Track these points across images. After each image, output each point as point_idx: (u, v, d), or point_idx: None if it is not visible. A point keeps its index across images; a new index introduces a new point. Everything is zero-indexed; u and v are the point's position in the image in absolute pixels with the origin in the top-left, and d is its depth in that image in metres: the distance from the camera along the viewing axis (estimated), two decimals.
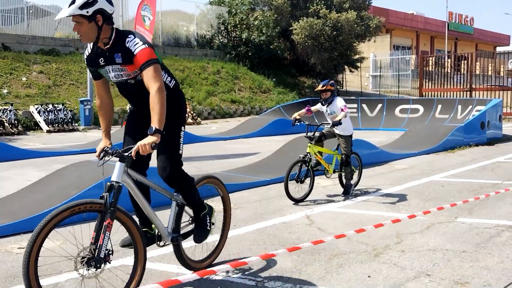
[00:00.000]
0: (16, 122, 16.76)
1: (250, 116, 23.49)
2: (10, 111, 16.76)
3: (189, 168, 9.69)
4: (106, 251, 3.42)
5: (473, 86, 24.81)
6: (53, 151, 12.01)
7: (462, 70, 26.76)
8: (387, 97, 25.10)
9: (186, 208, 4.26)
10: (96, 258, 3.36)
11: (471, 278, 4.15)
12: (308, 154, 7.06)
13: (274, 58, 30.42)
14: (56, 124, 17.65)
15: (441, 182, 8.50)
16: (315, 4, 29.89)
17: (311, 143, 7.10)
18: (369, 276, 4.22)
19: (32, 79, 20.31)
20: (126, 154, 3.58)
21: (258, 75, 28.94)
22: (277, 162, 9.30)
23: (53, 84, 20.56)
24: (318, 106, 7.55)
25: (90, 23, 3.52)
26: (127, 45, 3.61)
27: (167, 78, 3.96)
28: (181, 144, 4.04)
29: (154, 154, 3.78)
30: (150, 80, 3.55)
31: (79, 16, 3.49)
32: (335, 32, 28.98)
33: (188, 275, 3.59)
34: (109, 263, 3.47)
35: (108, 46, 3.66)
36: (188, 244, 4.55)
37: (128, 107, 19.41)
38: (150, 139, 3.44)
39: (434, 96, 24.66)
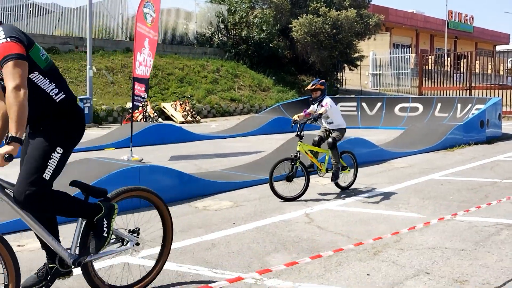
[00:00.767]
0: None
1: (249, 114, 23.47)
2: None
3: (188, 166, 9.72)
4: None
5: (473, 84, 24.82)
6: None
7: (462, 68, 26.75)
8: (387, 96, 25.10)
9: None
10: None
11: (470, 276, 4.16)
12: (298, 153, 7.09)
13: (273, 56, 30.41)
14: None
15: (440, 180, 8.51)
16: (315, 2, 29.88)
17: (300, 141, 7.14)
18: (368, 274, 4.22)
19: None
20: None
21: (257, 74, 28.93)
22: (276, 160, 9.29)
23: None
24: (311, 107, 7.59)
25: None
26: None
27: (52, 89, 3.29)
28: (52, 168, 3.22)
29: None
30: (6, 77, 2.98)
31: None
32: (334, 30, 28.98)
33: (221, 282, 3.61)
34: None
35: None
36: (117, 261, 4.34)
37: (127, 105, 19.43)
38: (3, 149, 2.92)
39: (434, 95, 24.66)
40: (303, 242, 5.13)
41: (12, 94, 2.93)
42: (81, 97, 18.56)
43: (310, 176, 7.29)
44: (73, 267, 3.42)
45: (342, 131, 7.55)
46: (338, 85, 33.94)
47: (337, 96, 25.21)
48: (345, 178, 7.71)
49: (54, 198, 3.28)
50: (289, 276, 4.21)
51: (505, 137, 15.11)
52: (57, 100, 3.31)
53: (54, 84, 3.31)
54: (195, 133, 14.85)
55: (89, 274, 3.56)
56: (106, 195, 3.60)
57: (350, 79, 35.03)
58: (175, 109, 21.26)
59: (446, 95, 24.76)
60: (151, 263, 4.10)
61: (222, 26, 30.06)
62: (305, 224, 5.81)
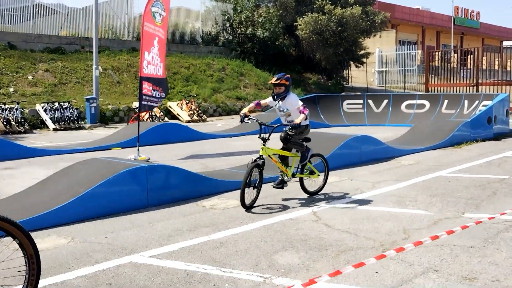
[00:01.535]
0: (22, 120, 16.81)
1: (255, 113, 23.47)
2: (16, 109, 16.82)
3: (195, 165, 9.73)
4: None
5: (480, 81, 24.67)
6: (59, 149, 12.05)
7: (469, 65, 26.61)
8: (393, 93, 25.00)
9: None
10: None
11: (479, 274, 4.14)
12: (262, 157, 6.50)
13: (279, 54, 30.37)
14: (62, 122, 17.69)
15: (448, 177, 8.47)
16: (320, 0, 29.82)
17: (264, 145, 6.54)
18: (376, 272, 4.21)
19: (38, 78, 20.37)
20: None
21: (263, 72, 28.90)
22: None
23: (59, 82, 20.61)
24: (268, 100, 7.02)
25: None
26: None
27: None
28: None
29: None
30: None
31: None
32: (340, 28, 28.90)
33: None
34: None
35: None
36: None
37: (134, 105, 19.46)
38: None
39: (440, 91, 24.55)
40: (311, 240, 5.13)
41: None
42: (88, 97, 18.61)
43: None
44: None
45: (303, 128, 6.73)
46: (344, 83, 33.87)
47: (343, 93, 25.16)
48: (313, 183, 7.20)
49: None
50: (297, 274, 4.20)
51: None
52: None
53: None
54: (201, 132, 14.86)
55: None
56: None
57: (356, 76, 34.94)
58: (181, 108, 21.28)
59: (453, 91, 24.64)
60: None
61: (227, 25, 30.06)
62: (312, 222, 5.80)
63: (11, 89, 19.05)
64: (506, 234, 5.20)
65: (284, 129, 6.78)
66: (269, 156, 6.61)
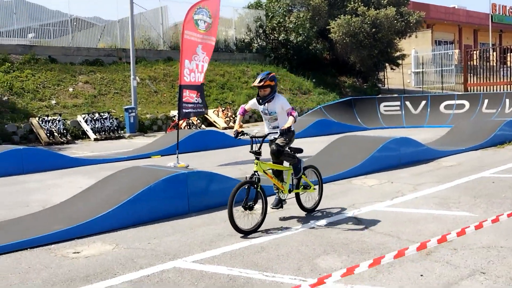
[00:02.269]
0: (65, 131, 17.30)
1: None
2: (59, 121, 17.33)
3: (233, 171, 9.79)
4: None
5: None
6: (101, 158, 12.32)
7: (508, 63, 25.90)
8: (431, 94, 24.57)
9: None
10: None
11: None
12: (256, 173, 5.70)
13: (313, 58, 30.29)
14: (103, 132, 18.11)
15: (492, 178, 8.27)
16: (352, 2, 29.61)
17: (257, 160, 5.75)
18: (421, 275, 4.15)
19: (78, 89, 20.92)
20: None
21: (297, 77, 28.88)
22: (321, 163, 9.25)
23: (98, 94, 21.11)
24: (252, 103, 6.29)
25: None
26: None
27: None
28: None
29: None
30: None
31: None
32: (374, 29, 28.61)
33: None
34: None
35: None
36: None
37: (171, 113, 19.73)
38: None
39: (480, 91, 23.98)
40: (353, 244, 5.09)
41: None
42: (126, 107, 18.98)
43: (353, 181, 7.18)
44: None
45: (289, 133, 5.86)
46: (380, 85, 33.47)
47: (380, 96, 24.86)
48: (309, 197, 6.49)
49: None
50: (340, 278, 4.18)
51: None
52: None
53: None
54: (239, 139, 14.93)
55: None
56: None
57: (392, 78, 34.47)
58: (218, 116, 21.47)
59: (493, 90, 24.03)
60: None
61: (260, 31, 30.19)
62: (353, 226, 5.75)
63: (53, 102, 19.62)
64: None
65: (270, 139, 6.07)
66: (264, 171, 5.83)
